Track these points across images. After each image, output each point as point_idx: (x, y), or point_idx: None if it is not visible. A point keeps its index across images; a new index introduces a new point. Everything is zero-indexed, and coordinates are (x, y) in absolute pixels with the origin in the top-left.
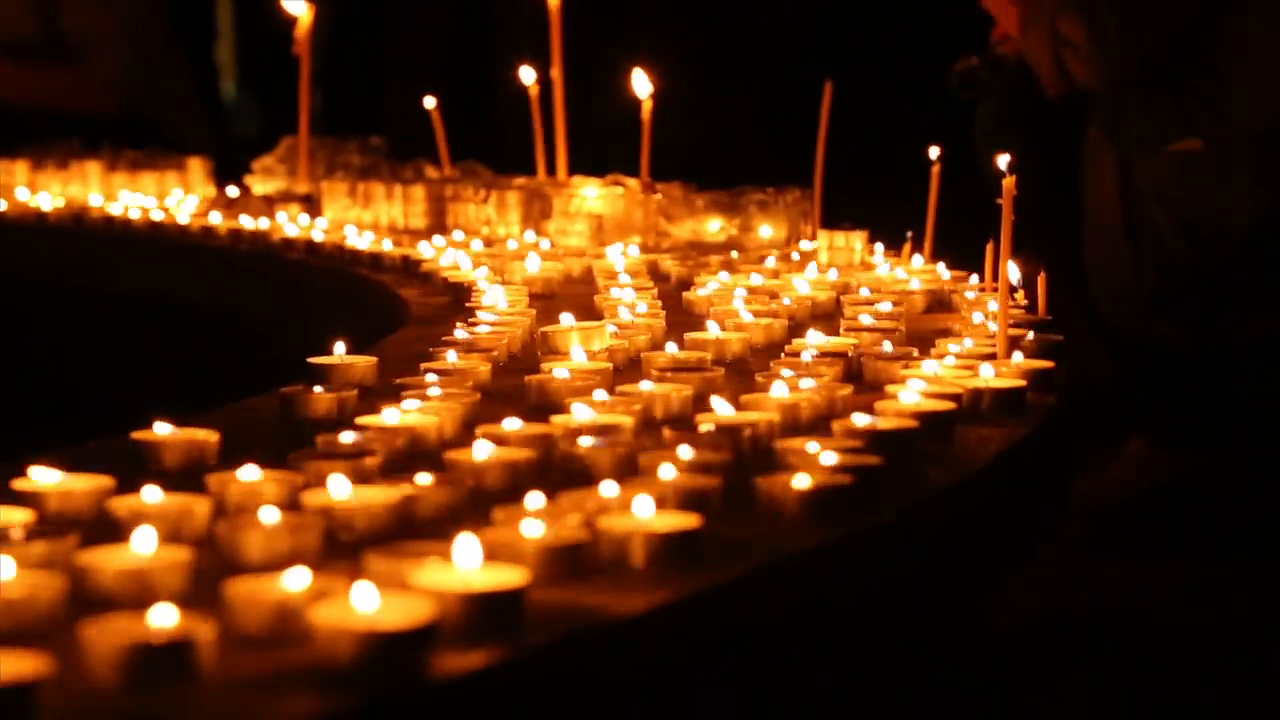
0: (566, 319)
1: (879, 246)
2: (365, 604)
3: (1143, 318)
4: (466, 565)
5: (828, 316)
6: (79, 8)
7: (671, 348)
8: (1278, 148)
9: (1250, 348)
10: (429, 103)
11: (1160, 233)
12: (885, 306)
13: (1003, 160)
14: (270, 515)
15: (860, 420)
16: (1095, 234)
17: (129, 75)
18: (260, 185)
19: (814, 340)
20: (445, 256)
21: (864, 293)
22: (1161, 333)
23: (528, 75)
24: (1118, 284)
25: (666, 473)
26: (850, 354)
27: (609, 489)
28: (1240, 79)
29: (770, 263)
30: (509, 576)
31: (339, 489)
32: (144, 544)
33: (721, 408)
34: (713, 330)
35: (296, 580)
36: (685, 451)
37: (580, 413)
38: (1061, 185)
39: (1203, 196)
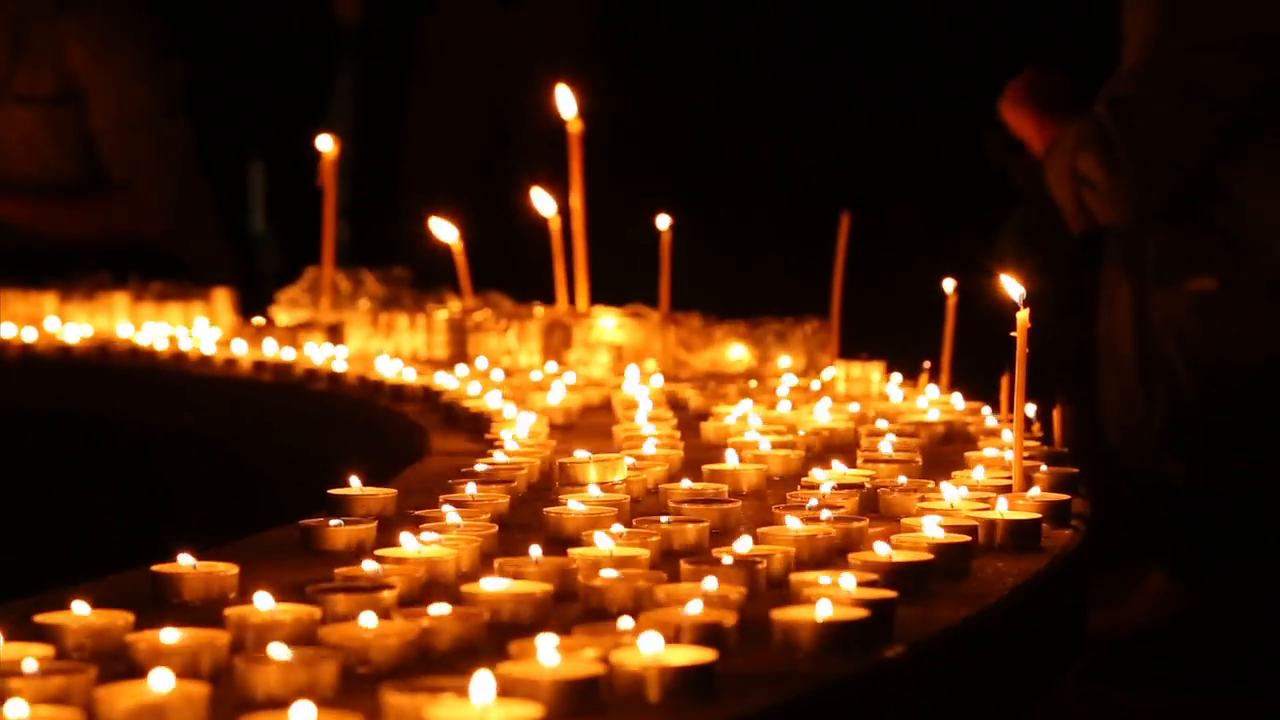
0: (583, 453)
1: (896, 377)
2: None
3: (1154, 454)
4: (482, 700)
5: (845, 447)
6: (117, 138)
7: (687, 482)
8: None
9: (1264, 486)
10: (449, 234)
11: (1174, 370)
12: (896, 439)
13: (1016, 291)
14: (287, 650)
15: (876, 553)
16: (1109, 369)
17: (174, 199)
18: (285, 316)
19: (831, 472)
20: (466, 387)
21: (881, 424)
22: (1172, 470)
23: (546, 204)
24: (1130, 420)
25: (683, 606)
26: (867, 485)
27: (624, 623)
28: (1260, 220)
29: (787, 392)
30: (524, 711)
31: (357, 622)
32: (159, 684)
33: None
34: (731, 461)
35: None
36: (702, 585)
37: (597, 545)
38: (1080, 314)
39: (1217, 335)
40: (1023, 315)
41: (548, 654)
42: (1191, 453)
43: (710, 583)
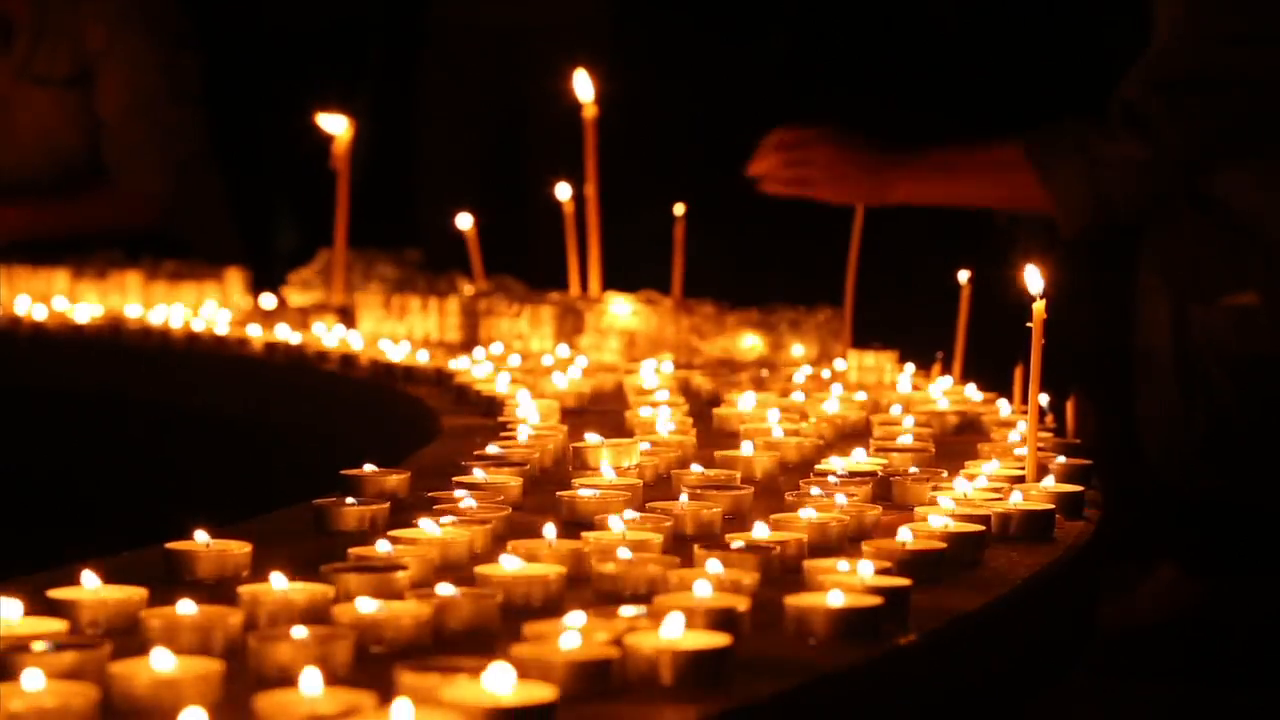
0: (596, 437)
1: (909, 366)
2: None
3: (1192, 469)
4: (496, 681)
5: (858, 436)
6: (118, 126)
7: (697, 467)
8: None
9: None
10: (464, 221)
11: (1214, 385)
12: (912, 424)
13: (1036, 281)
14: (300, 628)
15: (889, 541)
16: (1147, 383)
17: (170, 189)
18: (296, 297)
19: (843, 460)
20: (478, 370)
21: (894, 412)
22: (1210, 486)
23: (563, 193)
24: (1168, 434)
25: (696, 591)
26: (879, 474)
27: (638, 606)
28: None
29: (801, 380)
30: (538, 693)
31: (369, 602)
32: (165, 664)
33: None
34: (744, 448)
35: (320, 692)
36: (715, 569)
37: (610, 528)
38: (1098, 306)
39: (1258, 350)
40: (1039, 306)
41: (563, 635)
42: (1231, 468)
43: (722, 568)
